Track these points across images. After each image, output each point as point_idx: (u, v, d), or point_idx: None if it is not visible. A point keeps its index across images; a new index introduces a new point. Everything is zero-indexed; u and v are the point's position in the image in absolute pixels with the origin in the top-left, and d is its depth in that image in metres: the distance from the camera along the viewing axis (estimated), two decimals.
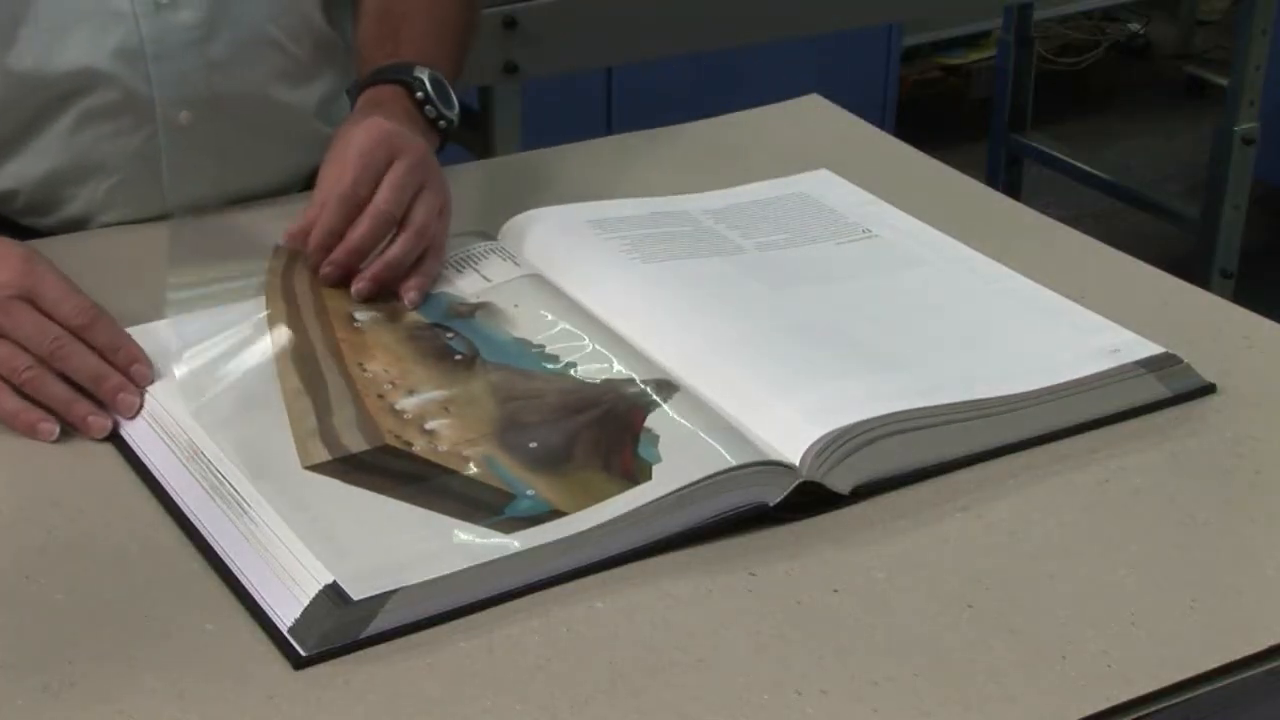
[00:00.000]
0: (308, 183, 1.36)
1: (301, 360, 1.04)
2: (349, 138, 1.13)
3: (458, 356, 1.05)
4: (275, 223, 1.19)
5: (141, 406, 1.01)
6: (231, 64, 1.26)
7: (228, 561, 0.89)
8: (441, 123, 1.23)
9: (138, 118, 1.25)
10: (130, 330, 1.06)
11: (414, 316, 1.09)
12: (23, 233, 1.26)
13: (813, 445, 0.94)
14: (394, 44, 1.27)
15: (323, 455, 0.95)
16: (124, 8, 1.21)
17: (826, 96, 1.52)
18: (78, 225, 1.28)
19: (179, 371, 1.04)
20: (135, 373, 1.03)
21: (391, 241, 1.11)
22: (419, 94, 1.22)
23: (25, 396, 1.01)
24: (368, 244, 1.10)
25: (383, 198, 1.10)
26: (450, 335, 1.07)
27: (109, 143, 1.25)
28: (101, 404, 1.02)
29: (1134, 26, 4.29)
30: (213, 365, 1.05)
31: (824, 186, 1.30)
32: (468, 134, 2.25)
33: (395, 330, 1.08)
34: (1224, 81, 2.93)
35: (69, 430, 1.01)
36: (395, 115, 1.17)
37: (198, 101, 1.26)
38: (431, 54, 1.26)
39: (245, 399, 1.01)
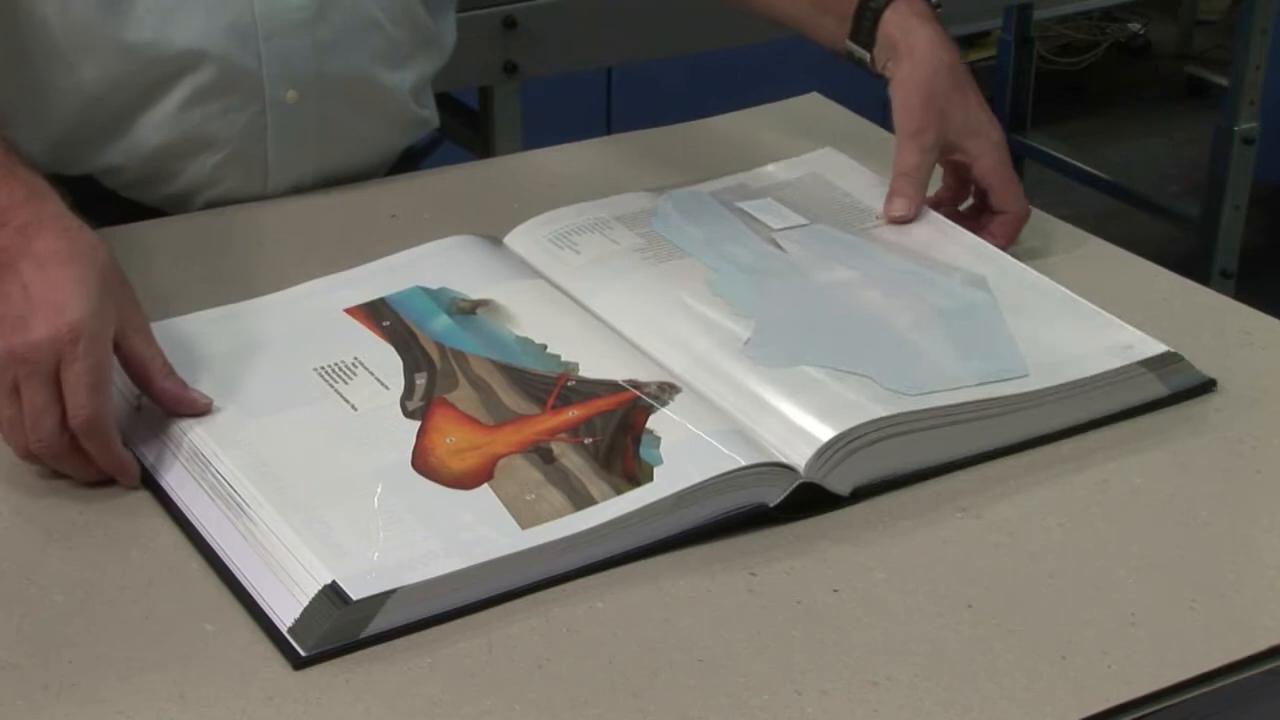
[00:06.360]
0: (398, 164, 1.40)
1: None
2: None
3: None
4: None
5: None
6: (338, 44, 1.29)
7: (227, 561, 0.89)
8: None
9: (246, 95, 1.27)
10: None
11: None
12: (126, 206, 1.28)
13: (813, 446, 0.94)
14: None
15: None
16: None
17: (826, 96, 1.52)
18: (181, 200, 1.30)
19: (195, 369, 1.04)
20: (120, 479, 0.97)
21: None
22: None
23: None
24: None
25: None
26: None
27: (218, 119, 1.27)
28: None
29: (1134, 26, 4.28)
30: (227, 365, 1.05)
31: (834, 165, 1.30)
32: (468, 134, 2.25)
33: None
34: (1224, 81, 2.93)
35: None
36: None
37: (304, 80, 1.28)
38: None
39: (248, 400, 1.02)
